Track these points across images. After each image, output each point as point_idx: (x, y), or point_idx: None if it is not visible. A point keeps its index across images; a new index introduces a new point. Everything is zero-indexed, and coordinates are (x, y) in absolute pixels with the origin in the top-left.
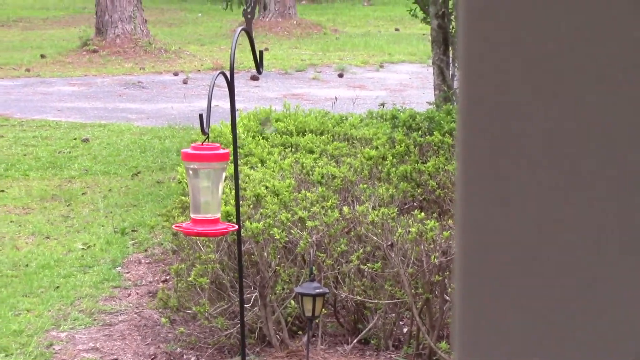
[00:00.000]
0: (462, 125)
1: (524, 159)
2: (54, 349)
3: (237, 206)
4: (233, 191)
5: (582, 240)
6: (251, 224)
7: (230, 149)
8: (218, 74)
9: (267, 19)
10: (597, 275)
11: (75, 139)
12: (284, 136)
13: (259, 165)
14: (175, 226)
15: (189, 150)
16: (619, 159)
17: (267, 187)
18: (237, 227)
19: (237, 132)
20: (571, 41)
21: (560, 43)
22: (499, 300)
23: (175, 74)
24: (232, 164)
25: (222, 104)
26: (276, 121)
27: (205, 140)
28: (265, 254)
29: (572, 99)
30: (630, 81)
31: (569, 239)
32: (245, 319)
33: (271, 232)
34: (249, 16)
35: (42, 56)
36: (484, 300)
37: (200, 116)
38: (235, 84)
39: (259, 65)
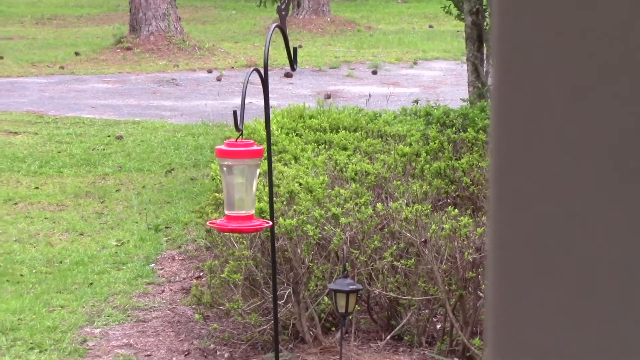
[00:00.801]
0: (495, 122)
1: (557, 156)
2: (87, 345)
3: (271, 203)
4: (267, 188)
5: (618, 236)
6: (285, 220)
7: (264, 146)
8: (252, 71)
9: (300, 16)
10: (633, 271)
11: (109, 136)
12: (318, 133)
13: (293, 162)
14: (210, 223)
15: (223, 147)
16: None
17: (300, 184)
18: (270, 223)
19: (271, 128)
20: (607, 39)
21: (596, 40)
22: (531, 297)
23: (209, 71)
24: (266, 161)
25: (255, 101)
26: (310, 118)
27: (239, 136)
28: (299, 250)
29: (607, 97)
30: None
31: (603, 235)
32: (278, 315)
33: (305, 228)
34: (283, 13)
35: (76, 54)
36: (517, 297)
37: (234, 113)
38: (270, 80)
39: (292, 62)
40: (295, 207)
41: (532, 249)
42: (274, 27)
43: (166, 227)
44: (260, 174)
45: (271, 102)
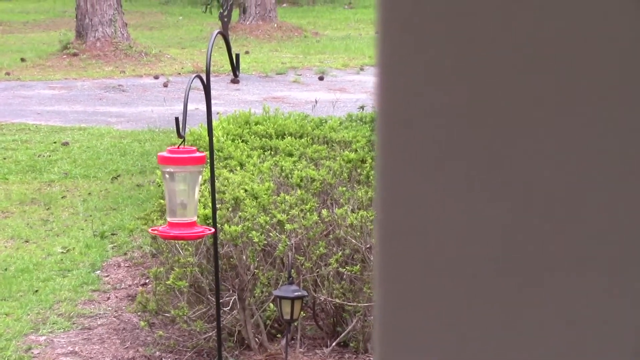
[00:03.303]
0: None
1: (440, 163)
2: (32, 352)
3: (214, 209)
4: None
5: (503, 249)
6: (230, 227)
7: (206, 152)
8: (194, 77)
9: (247, 22)
10: (522, 282)
11: (55, 142)
12: (264, 139)
13: (238, 168)
14: (152, 230)
15: (165, 154)
16: (526, 169)
17: (246, 190)
18: (213, 230)
19: (217, 135)
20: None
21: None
22: (418, 308)
23: (156, 77)
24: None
25: (202, 107)
26: (256, 124)
27: (181, 143)
28: (244, 257)
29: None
30: (543, 87)
31: (487, 247)
32: (224, 322)
33: (250, 235)
34: (226, 19)
35: (22, 60)
36: (404, 309)
37: (176, 119)
38: (216, 87)
39: (235, 69)
40: (240, 213)
41: (418, 262)
42: (216, 34)
43: (112, 234)
44: (205, 180)
45: (218, 108)
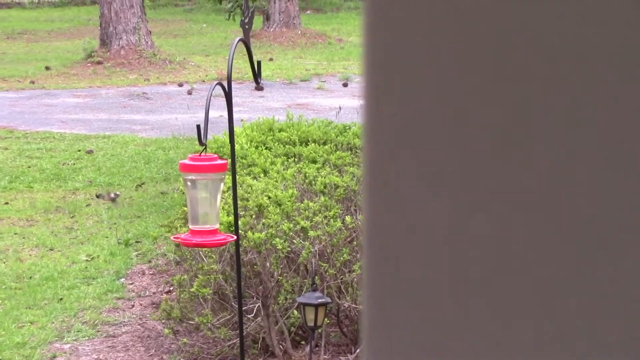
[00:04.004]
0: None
1: (427, 169)
2: None
3: (236, 216)
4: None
5: (488, 251)
6: (253, 234)
7: (229, 160)
8: (215, 85)
9: (271, 29)
10: (510, 282)
11: (79, 150)
12: (287, 146)
13: (262, 175)
14: (174, 237)
15: (187, 162)
16: (516, 169)
17: (269, 198)
18: (235, 237)
19: (240, 142)
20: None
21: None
22: (406, 310)
23: (180, 85)
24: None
25: (225, 114)
26: (279, 131)
27: (203, 150)
28: (268, 264)
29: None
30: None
31: (474, 251)
32: (248, 329)
33: (273, 242)
34: (247, 27)
35: (47, 68)
36: (392, 310)
37: (198, 127)
38: (240, 94)
39: (257, 76)
40: (264, 220)
41: (406, 263)
42: (237, 41)
43: (136, 242)
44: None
45: (242, 115)
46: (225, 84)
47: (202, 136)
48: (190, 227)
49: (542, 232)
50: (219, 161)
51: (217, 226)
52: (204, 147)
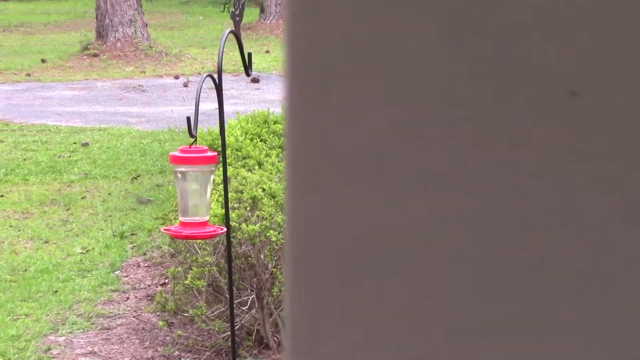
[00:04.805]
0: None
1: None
2: (52, 353)
3: (227, 208)
4: (230, 194)
5: (415, 243)
6: (247, 226)
7: (220, 152)
8: (205, 77)
9: (267, 21)
10: (431, 279)
11: (75, 143)
12: (282, 138)
13: (257, 167)
14: (164, 229)
15: (177, 153)
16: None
17: (264, 190)
18: (225, 229)
19: (235, 134)
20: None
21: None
22: (327, 300)
23: (176, 77)
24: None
25: None
26: (274, 123)
27: (193, 142)
28: (262, 256)
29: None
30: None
31: (399, 243)
32: (242, 322)
33: (268, 234)
34: (237, 18)
35: (43, 61)
36: (313, 299)
37: (188, 119)
38: (236, 86)
39: (247, 67)
40: (258, 212)
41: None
42: (228, 33)
43: (132, 234)
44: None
45: (238, 108)
46: (214, 76)
47: (193, 128)
48: (181, 219)
49: (450, 214)
50: (209, 153)
51: (207, 218)
52: (194, 138)
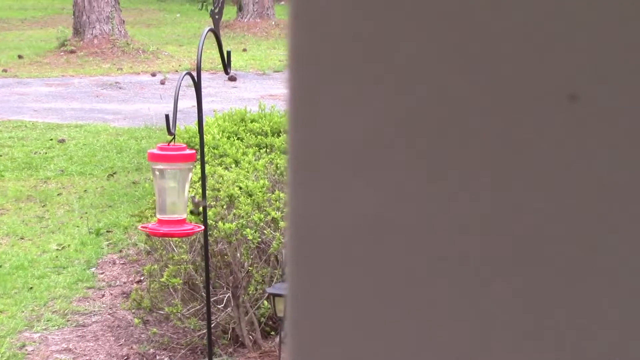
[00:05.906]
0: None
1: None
2: (26, 350)
3: (204, 207)
4: (208, 192)
5: (412, 241)
6: (224, 224)
7: (198, 150)
8: (184, 75)
9: (245, 20)
10: (429, 279)
11: (51, 139)
12: (259, 137)
13: (234, 165)
14: (142, 227)
15: (155, 151)
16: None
17: (240, 188)
18: (202, 227)
19: (212, 132)
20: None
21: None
22: (329, 300)
23: (153, 75)
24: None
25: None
26: (251, 122)
27: (171, 140)
28: (238, 254)
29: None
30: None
31: (399, 240)
32: (218, 320)
33: (244, 232)
34: (217, 17)
35: (20, 57)
36: (315, 300)
37: (167, 117)
38: (213, 84)
39: (226, 66)
40: (235, 211)
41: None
42: (207, 31)
43: (107, 231)
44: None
45: (215, 106)
46: (192, 73)
47: (171, 126)
48: (158, 216)
49: (463, 221)
50: (188, 151)
51: (184, 216)
52: (172, 136)
